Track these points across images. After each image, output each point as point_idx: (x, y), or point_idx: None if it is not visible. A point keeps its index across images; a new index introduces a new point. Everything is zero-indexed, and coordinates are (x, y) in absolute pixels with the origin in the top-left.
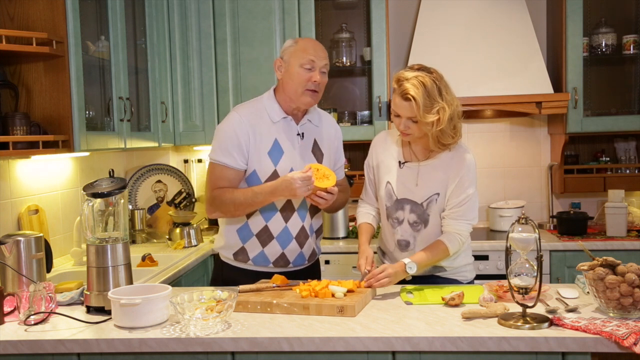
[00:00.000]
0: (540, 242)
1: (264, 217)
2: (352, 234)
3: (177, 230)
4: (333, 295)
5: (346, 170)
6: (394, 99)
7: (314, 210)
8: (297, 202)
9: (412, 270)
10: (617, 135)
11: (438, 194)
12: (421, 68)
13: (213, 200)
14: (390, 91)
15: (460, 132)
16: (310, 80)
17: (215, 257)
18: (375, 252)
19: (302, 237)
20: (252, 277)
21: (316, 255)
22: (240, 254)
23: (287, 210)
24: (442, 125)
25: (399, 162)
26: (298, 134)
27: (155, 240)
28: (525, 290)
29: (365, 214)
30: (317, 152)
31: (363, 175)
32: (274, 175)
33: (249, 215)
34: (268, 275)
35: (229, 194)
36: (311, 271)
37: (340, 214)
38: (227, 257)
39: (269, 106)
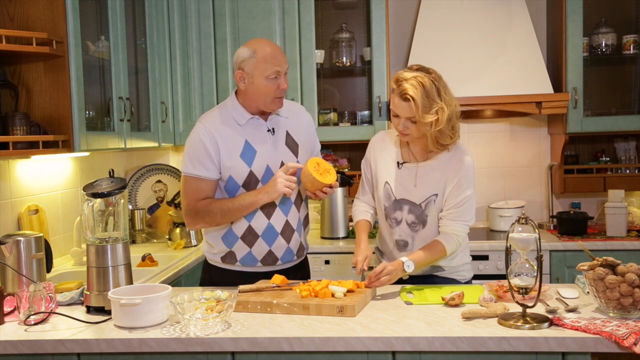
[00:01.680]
0: (540, 242)
1: (246, 217)
2: (352, 234)
3: (177, 230)
4: (333, 295)
5: (346, 170)
6: (392, 99)
7: (299, 202)
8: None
9: (410, 269)
10: (617, 135)
11: (436, 194)
12: (420, 68)
13: (197, 213)
14: (390, 91)
15: (458, 132)
16: (278, 89)
17: (204, 260)
18: (372, 252)
19: (287, 232)
20: (241, 277)
21: (304, 250)
22: (228, 257)
23: (268, 206)
24: (440, 126)
25: (398, 162)
26: (268, 130)
27: (155, 240)
28: (525, 290)
29: (362, 211)
30: (292, 144)
31: None
32: (251, 176)
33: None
34: (257, 275)
35: (216, 203)
36: (300, 269)
37: (340, 214)
38: (214, 260)
39: (233, 111)
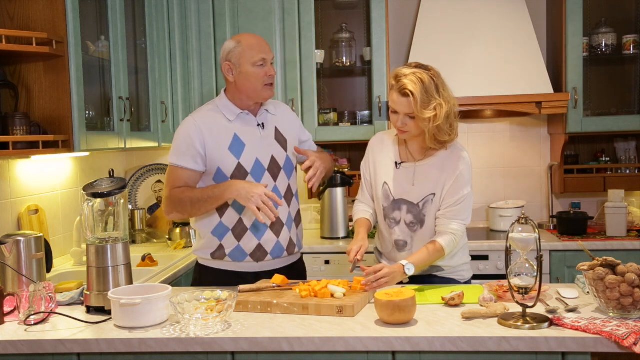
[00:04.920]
0: (540, 242)
1: (236, 209)
2: (352, 234)
3: (177, 230)
4: (332, 296)
5: (346, 170)
6: (391, 95)
7: (289, 196)
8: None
9: (411, 272)
10: (617, 135)
11: (434, 194)
12: (419, 65)
13: (170, 200)
14: (389, 88)
15: (456, 131)
16: (266, 75)
17: (196, 262)
18: (371, 252)
19: (276, 226)
20: (232, 277)
21: (295, 247)
22: (217, 252)
23: None
24: (438, 122)
25: (396, 162)
26: (258, 125)
27: (155, 240)
28: (525, 290)
29: (362, 211)
30: (281, 139)
31: None
32: (239, 168)
33: (221, 214)
34: (246, 275)
35: (188, 192)
36: (293, 270)
37: (340, 214)
38: (204, 258)
39: (222, 107)
